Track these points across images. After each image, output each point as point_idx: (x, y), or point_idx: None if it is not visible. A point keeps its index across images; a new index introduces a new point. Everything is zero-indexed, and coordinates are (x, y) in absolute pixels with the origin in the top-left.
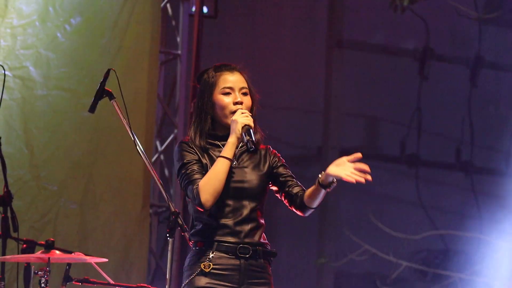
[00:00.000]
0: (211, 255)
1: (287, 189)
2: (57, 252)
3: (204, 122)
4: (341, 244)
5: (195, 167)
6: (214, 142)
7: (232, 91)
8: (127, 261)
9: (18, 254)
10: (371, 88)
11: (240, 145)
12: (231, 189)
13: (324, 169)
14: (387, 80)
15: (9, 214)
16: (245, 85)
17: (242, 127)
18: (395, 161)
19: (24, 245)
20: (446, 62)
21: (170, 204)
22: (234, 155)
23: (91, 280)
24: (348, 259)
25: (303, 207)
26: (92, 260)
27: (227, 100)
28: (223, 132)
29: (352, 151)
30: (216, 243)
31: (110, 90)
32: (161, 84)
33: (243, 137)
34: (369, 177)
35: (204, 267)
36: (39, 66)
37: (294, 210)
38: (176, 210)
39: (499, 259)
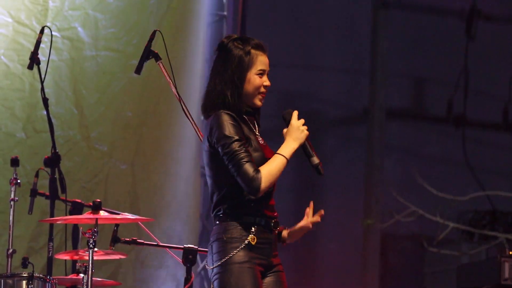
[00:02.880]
0: (253, 228)
1: None
2: (104, 213)
3: (240, 95)
4: (388, 205)
5: (247, 148)
6: (239, 114)
7: (264, 73)
8: (179, 222)
9: (66, 215)
10: (418, 49)
11: (257, 123)
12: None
13: (372, 130)
14: (434, 40)
15: (57, 176)
16: (268, 66)
17: (305, 140)
18: (442, 122)
19: (71, 207)
20: (493, 22)
21: None
22: (257, 130)
23: (138, 241)
24: (395, 220)
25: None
26: (138, 220)
27: (260, 81)
28: (245, 109)
29: (398, 111)
30: (257, 217)
31: (156, 52)
32: (207, 46)
33: (310, 156)
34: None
35: (251, 240)
36: (88, 27)
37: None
38: None
39: None
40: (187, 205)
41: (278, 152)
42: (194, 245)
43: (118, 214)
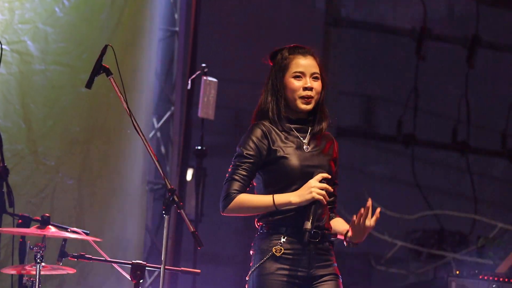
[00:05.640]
0: (282, 240)
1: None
2: (53, 228)
3: (280, 103)
4: None
5: (248, 167)
6: (282, 124)
7: (303, 76)
8: (124, 237)
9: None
10: (368, 68)
11: (310, 129)
12: (304, 174)
13: None
14: (384, 59)
15: (5, 189)
16: (317, 69)
17: (312, 203)
18: (391, 141)
19: (20, 221)
20: (443, 42)
21: (166, 181)
22: (307, 141)
23: (86, 256)
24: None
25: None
26: (87, 237)
27: (297, 84)
28: (295, 116)
29: (348, 129)
30: (288, 227)
31: (107, 66)
32: (158, 61)
33: (306, 219)
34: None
35: (275, 251)
36: (37, 40)
37: None
38: (172, 187)
39: (493, 240)
40: (133, 221)
41: (275, 195)
42: (139, 260)
43: (67, 229)
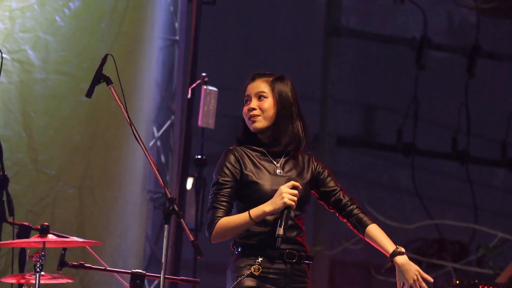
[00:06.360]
0: (259, 259)
1: (340, 205)
2: (52, 236)
3: (242, 130)
4: (336, 232)
5: (226, 193)
6: (258, 148)
7: (249, 99)
8: (124, 246)
9: (13, 238)
10: (368, 77)
11: (284, 154)
12: None
13: (322, 157)
14: (384, 68)
15: (5, 198)
16: (263, 89)
17: (284, 208)
18: (391, 150)
19: (18, 230)
20: (443, 51)
21: (166, 190)
22: (280, 163)
23: (86, 265)
24: (343, 247)
25: (358, 229)
26: (87, 244)
27: (245, 108)
28: (267, 140)
29: (348, 139)
30: (264, 248)
31: (108, 75)
32: (158, 70)
33: (279, 225)
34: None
35: (254, 270)
36: (38, 49)
37: (343, 220)
38: (172, 196)
39: (493, 249)
40: (133, 229)
41: (250, 210)
42: (140, 270)
43: (67, 237)
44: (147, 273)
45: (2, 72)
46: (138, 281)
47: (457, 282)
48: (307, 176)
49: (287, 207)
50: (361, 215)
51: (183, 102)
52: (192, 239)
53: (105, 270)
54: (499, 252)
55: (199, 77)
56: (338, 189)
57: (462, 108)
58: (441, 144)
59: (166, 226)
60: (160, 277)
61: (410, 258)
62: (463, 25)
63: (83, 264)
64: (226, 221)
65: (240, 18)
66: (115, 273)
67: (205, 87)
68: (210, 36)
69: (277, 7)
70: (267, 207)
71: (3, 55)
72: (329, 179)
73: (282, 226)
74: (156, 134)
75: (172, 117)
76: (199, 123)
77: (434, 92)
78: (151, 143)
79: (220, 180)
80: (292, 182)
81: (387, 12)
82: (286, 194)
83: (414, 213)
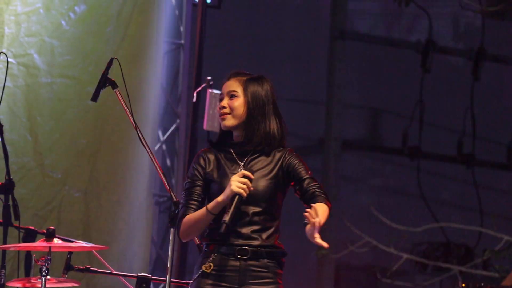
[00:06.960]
0: (212, 257)
1: (304, 191)
2: (58, 241)
3: (220, 130)
4: (342, 236)
5: (194, 192)
6: (227, 149)
7: (222, 98)
8: (130, 250)
9: (19, 242)
10: (374, 80)
11: (252, 152)
12: (234, 198)
13: (327, 160)
14: (390, 72)
15: (10, 202)
16: (234, 88)
17: (233, 196)
18: (397, 153)
19: (24, 234)
20: (448, 54)
21: (172, 193)
22: (244, 162)
23: (92, 269)
24: (349, 250)
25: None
26: (92, 248)
27: (217, 106)
28: (240, 139)
29: (354, 142)
30: (217, 245)
31: (113, 79)
32: (164, 74)
33: (227, 210)
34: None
35: (205, 268)
36: (43, 53)
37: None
38: (178, 200)
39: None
40: (139, 233)
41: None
42: (146, 273)
43: (73, 241)
44: (152, 277)
45: (8, 76)
46: (144, 285)
47: (463, 285)
48: (273, 171)
49: (236, 194)
50: (318, 193)
51: (188, 106)
52: (197, 242)
53: (111, 273)
54: (505, 255)
55: (204, 80)
56: (307, 177)
57: (468, 111)
58: (447, 148)
59: (171, 229)
60: (165, 280)
61: (417, 262)
62: (469, 29)
63: (89, 268)
64: (189, 217)
65: (245, 21)
66: (121, 277)
67: (210, 90)
68: (215, 39)
69: (283, 11)
70: (219, 197)
71: (9, 59)
72: (301, 169)
73: (229, 213)
74: (162, 138)
75: (178, 120)
76: (204, 126)
77: (440, 96)
78: (156, 147)
79: (189, 180)
80: (242, 172)
81: (393, 15)
82: (235, 182)
83: (420, 217)
